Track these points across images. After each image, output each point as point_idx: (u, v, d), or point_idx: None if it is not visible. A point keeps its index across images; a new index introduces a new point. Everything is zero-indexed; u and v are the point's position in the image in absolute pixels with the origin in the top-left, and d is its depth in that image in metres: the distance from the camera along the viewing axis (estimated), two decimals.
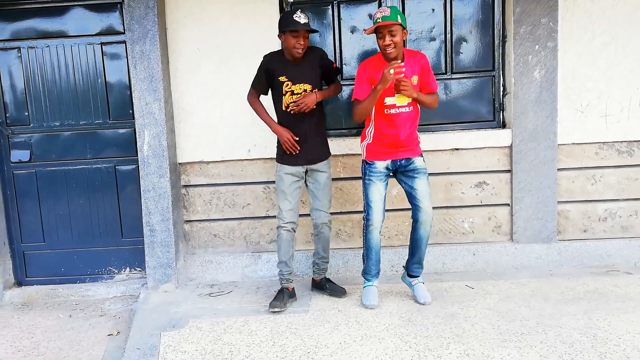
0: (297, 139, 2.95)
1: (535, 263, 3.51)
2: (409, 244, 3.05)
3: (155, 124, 3.38)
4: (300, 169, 3.02)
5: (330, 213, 3.13)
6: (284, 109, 2.97)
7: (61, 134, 3.59)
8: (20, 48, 3.51)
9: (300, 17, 2.84)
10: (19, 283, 3.73)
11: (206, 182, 3.58)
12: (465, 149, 3.49)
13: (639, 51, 3.37)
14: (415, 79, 2.87)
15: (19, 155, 3.60)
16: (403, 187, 2.99)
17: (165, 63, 3.41)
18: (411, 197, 2.94)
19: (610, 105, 3.43)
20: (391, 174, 3.00)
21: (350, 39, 3.55)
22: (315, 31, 2.99)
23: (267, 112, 3.03)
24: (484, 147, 3.49)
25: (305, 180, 3.08)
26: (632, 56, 3.38)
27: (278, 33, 2.93)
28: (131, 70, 3.37)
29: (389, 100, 2.85)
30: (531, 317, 2.76)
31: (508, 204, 3.53)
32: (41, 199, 3.64)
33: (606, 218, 3.54)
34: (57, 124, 3.58)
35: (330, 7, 3.51)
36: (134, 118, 3.47)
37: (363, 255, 3.08)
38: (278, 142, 3.04)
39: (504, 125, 3.56)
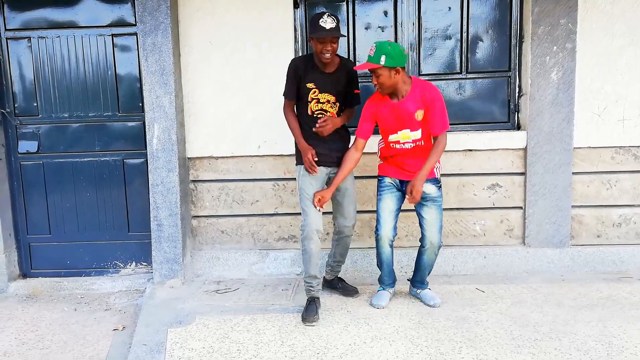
0: (317, 159, 2.86)
1: (547, 268, 3.46)
2: (415, 261, 3.03)
3: (165, 118, 3.34)
4: (324, 171, 2.92)
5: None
6: (309, 113, 2.88)
7: (70, 125, 3.55)
8: (30, 38, 3.47)
9: (327, 22, 2.70)
10: (24, 275, 3.70)
11: (215, 178, 3.54)
12: (479, 150, 3.44)
13: None
14: (419, 114, 2.73)
15: (26, 146, 3.56)
16: (415, 212, 2.92)
17: (176, 56, 3.36)
18: (420, 224, 2.91)
19: (628, 109, 3.36)
20: (404, 193, 2.88)
21: (364, 36, 3.49)
22: (343, 36, 2.81)
23: (299, 127, 2.89)
24: (498, 149, 3.43)
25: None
26: None
27: (308, 37, 2.87)
28: (142, 63, 3.33)
29: (392, 138, 2.82)
30: (544, 322, 2.70)
31: (521, 207, 3.48)
32: (48, 191, 3.61)
33: (621, 224, 3.48)
34: (66, 115, 3.54)
35: (345, 3, 3.46)
36: (143, 111, 3.43)
37: (377, 264, 3.06)
38: (296, 144, 2.95)
39: (518, 127, 3.51)
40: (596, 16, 3.30)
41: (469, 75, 3.49)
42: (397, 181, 2.90)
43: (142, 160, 3.54)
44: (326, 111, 2.88)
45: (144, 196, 3.54)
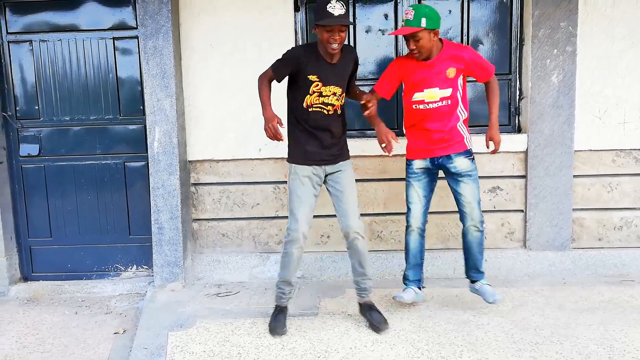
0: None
1: (549, 271, 3.46)
2: (462, 248, 2.92)
3: (166, 121, 3.35)
4: (319, 170, 2.69)
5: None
6: (305, 106, 2.64)
7: (71, 128, 3.56)
8: (32, 41, 3.48)
9: (335, 8, 2.46)
10: (25, 278, 3.70)
11: (216, 181, 3.54)
12: (480, 152, 3.40)
13: None
14: (451, 72, 2.70)
15: (28, 149, 3.57)
16: (450, 189, 2.85)
17: (177, 59, 3.37)
18: (457, 201, 2.82)
19: (629, 112, 3.36)
20: (436, 173, 2.85)
21: (365, 39, 3.50)
22: (351, 24, 2.60)
23: (269, 95, 2.62)
24: (499, 152, 3.42)
25: (326, 187, 2.77)
26: None
27: (313, 24, 2.59)
28: (143, 66, 3.34)
29: (417, 96, 2.73)
30: (545, 326, 2.70)
31: (522, 210, 3.47)
32: (49, 194, 3.61)
33: (622, 227, 3.47)
34: (67, 118, 3.55)
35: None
36: (144, 114, 3.44)
37: (405, 256, 2.95)
38: (289, 139, 2.77)
39: (519, 130, 3.51)
40: (596, 19, 3.30)
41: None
42: (428, 161, 2.80)
43: (143, 163, 3.54)
44: (328, 104, 2.65)
45: (144, 199, 3.54)
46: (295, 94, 2.67)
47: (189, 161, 3.53)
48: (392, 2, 3.44)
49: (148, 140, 3.39)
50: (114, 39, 3.47)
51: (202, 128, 3.49)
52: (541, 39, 3.31)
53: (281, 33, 3.37)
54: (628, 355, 2.39)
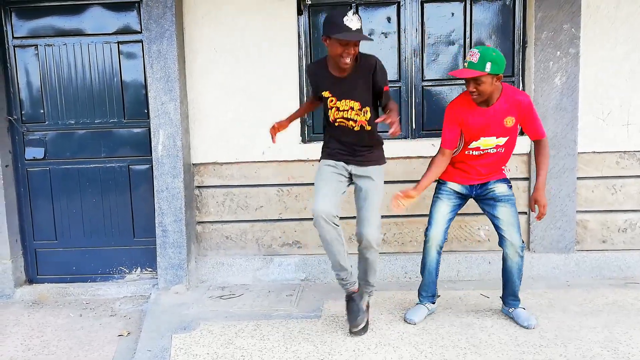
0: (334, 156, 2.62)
1: (552, 273, 3.45)
2: (501, 273, 2.80)
3: (170, 124, 3.37)
4: (342, 164, 2.61)
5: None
6: (332, 121, 2.58)
7: (76, 132, 3.58)
8: (37, 46, 3.51)
9: (352, 21, 2.31)
10: (30, 281, 3.72)
11: (219, 184, 3.56)
12: None
13: None
14: (509, 121, 2.59)
15: (33, 152, 3.60)
16: (487, 216, 2.76)
17: (181, 63, 3.39)
18: (495, 227, 2.71)
19: (633, 114, 3.36)
20: (466, 200, 2.78)
21: (367, 44, 3.50)
22: (370, 39, 2.43)
23: (301, 109, 2.84)
24: None
25: (354, 189, 2.67)
26: None
27: (322, 35, 2.43)
28: (147, 70, 3.36)
29: (473, 145, 2.65)
30: (550, 328, 2.69)
31: (525, 212, 3.46)
32: (54, 197, 3.64)
33: (626, 229, 3.46)
34: (72, 122, 3.57)
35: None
36: (149, 118, 3.46)
37: (420, 270, 2.88)
38: (324, 141, 2.73)
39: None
40: (600, 21, 3.30)
41: None
42: (462, 187, 2.73)
43: (148, 166, 3.56)
44: (349, 119, 2.54)
45: (149, 202, 3.56)
46: (324, 108, 2.63)
47: (193, 164, 3.55)
48: (395, 5, 3.45)
49: (152, 143, 3.41)
50: (118, 43, 3.50)
51: (205, 131, 3.51)
52: (544, 41, 3.31)
53: (284, 36, 3.39)
54: (633, 358, 2.38)
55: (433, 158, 2.74)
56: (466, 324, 2.77)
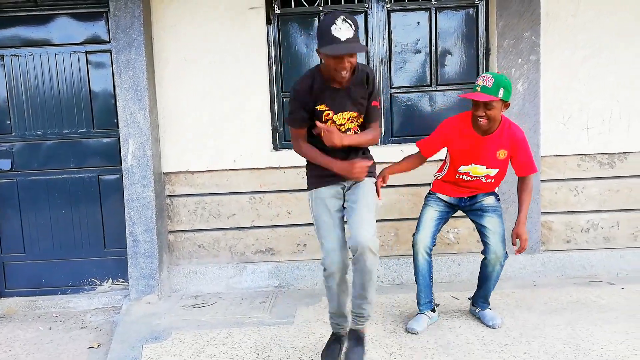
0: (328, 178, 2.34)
1: (520, 274, 3.54)
2: (478, 276, 2.86)
3: (139, 133, 3.36)
4: (339, 188, 2.36)
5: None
6: (315, 133, 2.30)
7: (44, 142, 3.54)
8: (3, 56, 3.47)
9: (341, 30, 2.03)
10: None
11: (191, 192, 3.56)
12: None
13: (619, 64, 3.44)
14: (502, 154, 2.62)
15: (0, 164, 3.54)
16: (475, 225, 2.80)
17: (150, 72, 3.39)
18: (481, 235, 2.76)
19: (592, 118, 3.48)
20: (455, 210, 2.83)
21: None
22: (365, 49, 2.25)
23: (318, 151, 2.31)
24: None
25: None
26: (612, 69, 3.44)
27: (316, 47, 2.19)
28: (116, 79, 3.35)
29: (462, 169, 2.68)
30: (515, 327, 2.76)
31: None
32: (22, 209, 3.58)
33: (589, 229, 3.58)
34: (40, 132, 3.53)
35: (316, 18, 3.53)
36: (118, 127, 3.44)
37: (414, 277, 2.88)
38: (307, 168, 2.44)
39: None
40: (558, 29, 3.42)
41: (439, 88, 3.59)
42: (451, 198, 2.78)
43: (118, 176, 3.54)
44: (345, 129, 2.34)
45: (119, 212, 3.53)
46: (312, 124, 2.31)
47: (164, 173, 3.54)
48: (362, 15, 3.52)
49: (122, 153, 3.39)
50: (86, 52, 3.48)
51: (176, 140, 3.51)
52: (506, 49, 3.42)
53: (254, 46, 3.42)
54: (593, 353, 2.47)
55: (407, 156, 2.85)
56: (435, 325, 2.83)
